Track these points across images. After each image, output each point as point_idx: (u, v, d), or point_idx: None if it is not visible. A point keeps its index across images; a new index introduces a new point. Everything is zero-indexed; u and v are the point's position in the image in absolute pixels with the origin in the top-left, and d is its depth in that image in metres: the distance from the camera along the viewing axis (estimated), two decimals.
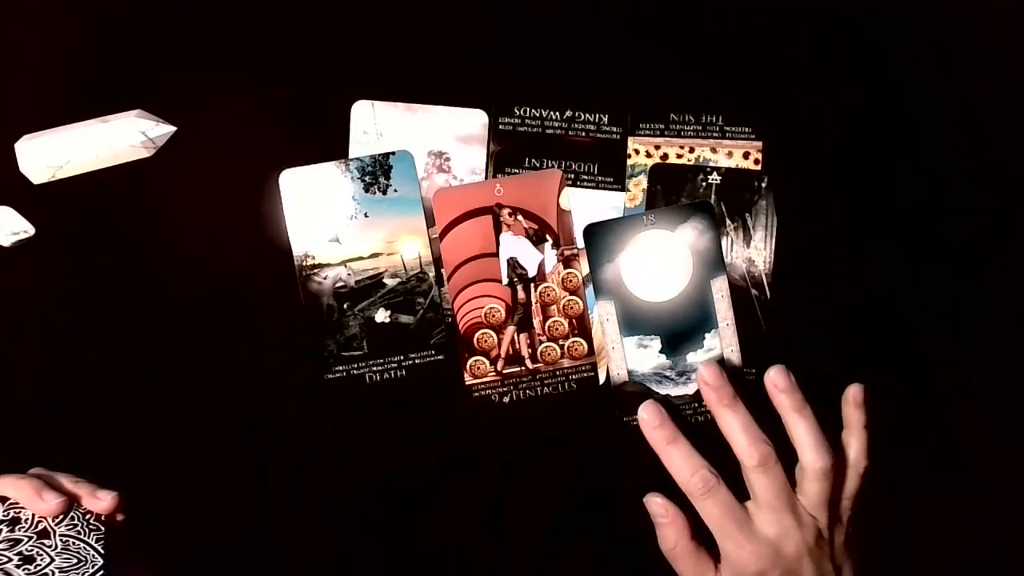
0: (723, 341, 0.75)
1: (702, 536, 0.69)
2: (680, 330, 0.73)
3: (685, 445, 0.69)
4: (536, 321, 0.76)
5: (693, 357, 0.74)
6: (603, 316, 0.74)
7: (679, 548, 0.69)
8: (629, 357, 0.74)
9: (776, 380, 0.69)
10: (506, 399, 0.76)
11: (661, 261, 0.74)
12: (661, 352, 0.74)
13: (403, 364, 0.76)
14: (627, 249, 0.74)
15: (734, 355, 0.75)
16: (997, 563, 0.78)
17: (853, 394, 0.70)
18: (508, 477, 0.76)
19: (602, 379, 0.76)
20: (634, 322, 0.74)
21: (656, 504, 0.70)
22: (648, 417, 0.70)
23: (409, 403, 0.76)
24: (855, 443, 0.70)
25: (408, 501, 0.77)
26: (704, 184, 0.76)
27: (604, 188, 0.77)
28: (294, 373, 0.76)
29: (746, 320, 0.76)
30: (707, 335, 0.74)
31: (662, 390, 0.75)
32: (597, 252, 0.74)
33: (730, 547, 0.67)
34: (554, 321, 0.75)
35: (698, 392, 0.73)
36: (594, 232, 0.75)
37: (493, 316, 0.75)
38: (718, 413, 0.69)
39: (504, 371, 0.76)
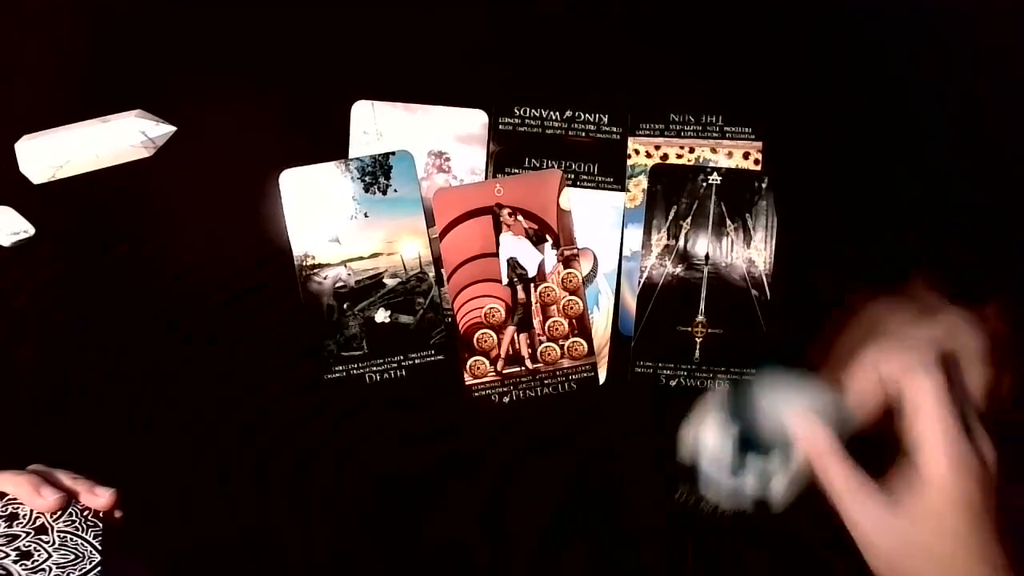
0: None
1: None
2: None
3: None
4: (536, 321, 0.76)
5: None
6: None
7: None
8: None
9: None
10: (506, 399, 0.76)
11: None
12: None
13: (403, 364, 0.76)
14: None
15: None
16: None
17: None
18: (508, 477, 0.76)
19: (602, 379, 0.76)
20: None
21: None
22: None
23: (409, 403, 0.76)
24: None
25: (408, 501, 0.77)
26: (704, 184, 0.76)
27: (604, 188, 0.77)
28: (294, 373, 0.76)
29: (746, 320, 0.76)
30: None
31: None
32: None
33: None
34: (554, 321, 0.75)
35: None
36: None
37: (493, 316, 0.75)
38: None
39: (504, 371, 0.76)
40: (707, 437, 0.64)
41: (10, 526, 0.61)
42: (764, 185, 0.76)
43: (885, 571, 0.58)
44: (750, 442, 0.64)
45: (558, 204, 0.75)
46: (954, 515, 0.57)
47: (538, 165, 0.77)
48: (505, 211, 0.75)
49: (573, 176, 0.77)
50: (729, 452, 0.64)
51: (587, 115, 0.77)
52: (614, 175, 0.77)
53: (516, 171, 0.77)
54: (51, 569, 0.59)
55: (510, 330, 0.76)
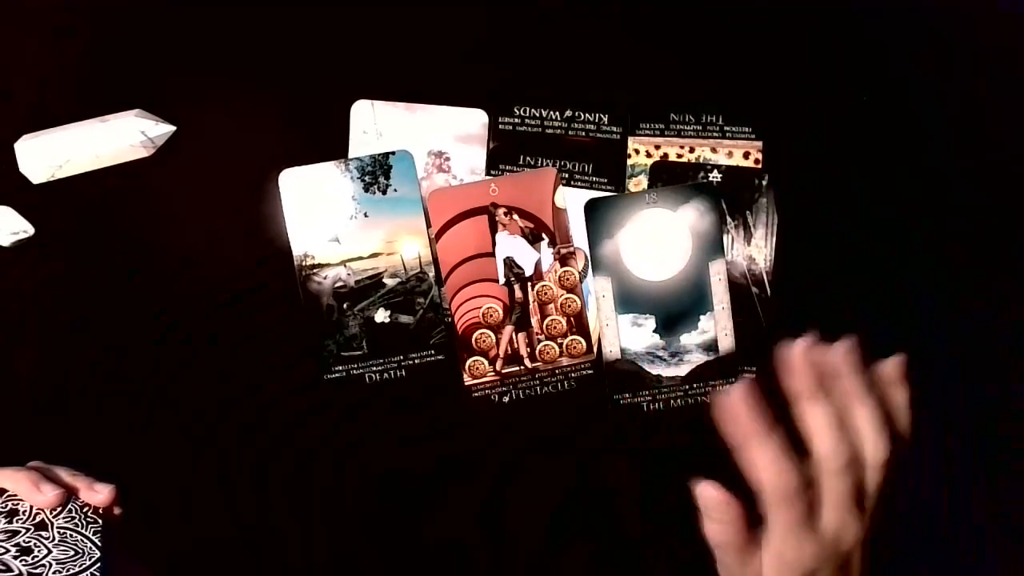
0: (718, 324, 0.75)
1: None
2: (676, 311, 0.73)
3: (776, 441, 0.59)
4: (534, 320, 0.76)
5: (687, 338, 0.74)
6: (599, 292, 0.75)
7: (735, 537, 0.64)
8: (623, 335, 0.75)
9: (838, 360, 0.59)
10: (505, 399, 0.76)
11: (660, 240, 0.74)
12: (655, 332, 0.75)
13: (403, 364, 0.76)
14: (627, 227, 0.75)
15: (728, 338, 0.75)
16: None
17: (890, 370, 0.59)
18: (508, 477, 0.76)
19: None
20: (630, 300, 0.75)
21: (712, 496, 0.60)
22: (739, 398, 0.58)
23: (409, 403, 0.76)
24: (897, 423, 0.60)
25: (408, 501, 0.76)
26: (705, 182, 0.76)
27: (598, 188, 0.77)
28: (294, 373, 0.76)
29: (747, 317, 0.76)
30: (702, 317, 0.74)
31: (654, 370, 0.75)
32: (597, 228, 0.75)
33: (790, 544, 0.63)
34: (552, 319, 0.75)
35: (690, 374, 0.73)
36: (595, 208, 0.75)
37: (491, 316, 0.75)
38: (808, 409, 0.59)
39: (503, 371, 0.76)
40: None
41: (10, 522, 0.61)
42: (765, 183, 0.76)
43: None
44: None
45: (553, 203, 0.75)
46: None
47: (532, 164, 0.77)
48: (501, 210, 0.75)
49: (567, 176, 0.77)
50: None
51: (587, 115, 0.77)
52: (608, 175, 0.77)
53: (511, 168, 0.77)
54: (51, 565, 0.59)
55: (508, 329, 0.76)
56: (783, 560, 0.61)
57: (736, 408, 0.57)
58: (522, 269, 0.75)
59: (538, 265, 0.75)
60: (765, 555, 0.62)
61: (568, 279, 0.75)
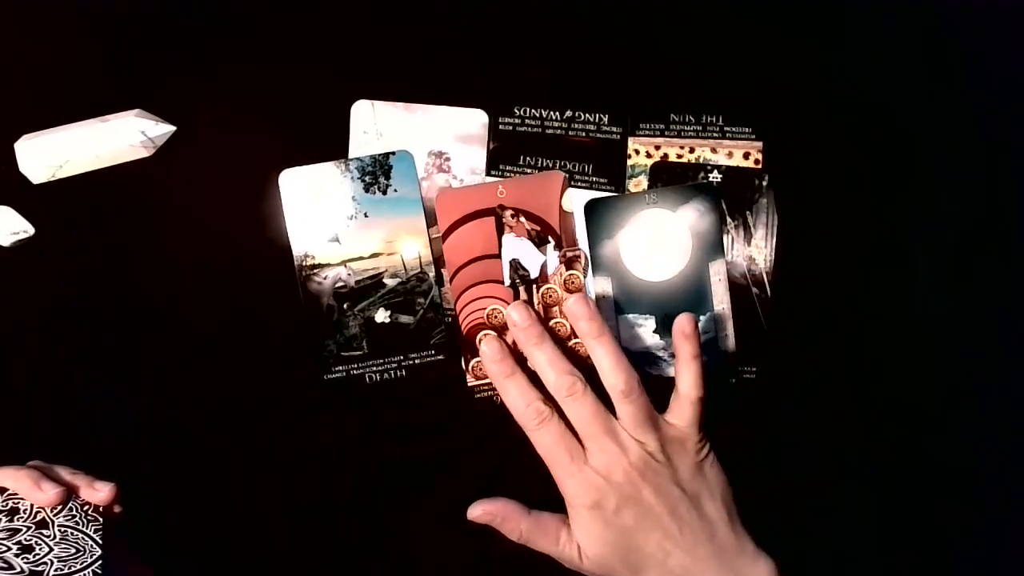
0: (718, 325, 0.75)
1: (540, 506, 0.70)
2: (676, 311, 0.73)
3: (522, 378, 0.69)
4: None
5: None
6: (599, 293, 0.75)
7: (525, 531, 0.70)
8: (623, 336, 0.75)
9: (575, 309, 0.69)
10: None
11: (660, 241, 0.75)
12: (655, 332, 0.75)
13: (403, 364, 0.76)
14: (627, 227, 0.75)
15: (729, 339, 0.75)
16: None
17: (681, 326, 0.70)
18: (508, 477, 0.76)
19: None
20: (630, 300, 0.75)
21: (482, 512, 0.71)
22: (489, 351, 0.70)
23: (409, 403, 0.76)
24: (686, 373, 0.69)
25: (409, 501, 0.76)
26: (705, 182, 0.76)
27: (598, 188, 0.77)
28: (294, 373, 0.76)
29: (747, 318, 0.76)
30: (702, 317, 0.75)
31: (654, 371, 0.75)
32: (597, 228, 0.75)
33: (564, 478, 0.67)
34: (556, 323, 0.75)
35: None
36: (595, 208, 0.75)
37: (495, 318, 0.75)
38: (528, 353, 0.70)
39: None
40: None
41: (11, 520, 0.61)
42: (765, 183, 0.76)
43: None
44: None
45: (560, 206, 0.75)
46: None
47: (533, 164, 0.77)
48: (507, 212, 0.75)
49: (567, 176, 0.77)
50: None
51: (587, 115, 0.77)
52: (608, 176, 0.77)
53: (511, 168, 0.77)
54: (52, 563, 0.59)
55: None
56: (574, 505, 0.68)
57: (485, 359, 0.70)
58: (527, 271, 0.75)
59: (543, 268, 0.75)
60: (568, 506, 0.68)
61: (573, 282, 0.75)
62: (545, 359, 0.69)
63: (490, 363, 0.70)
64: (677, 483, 0.67)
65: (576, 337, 0.73)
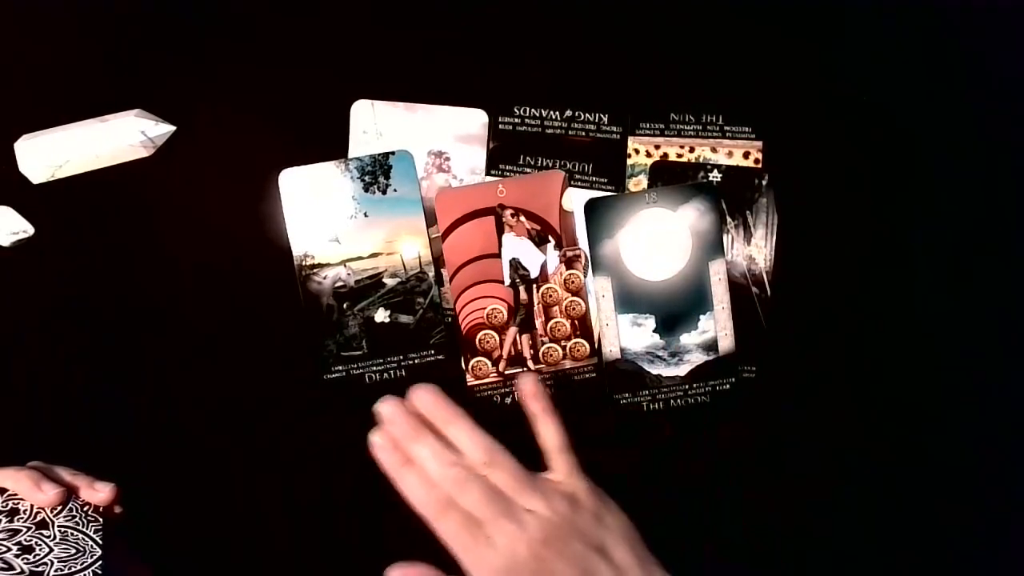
0: (718, 324, 0.75)
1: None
2: (675, 311, 0.73)
3: (419, 468, 0.66)
4: (538, 322, 0.76)
5: (687, 338, 0.75)
6: (599, 292, 0.75)
7: None
8: (623, 335, 0.75)
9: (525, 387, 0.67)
10: (508, 400, 0.76)
11: (660, 240, 0.75)
12: (655, 331, 0.75)
13: (403, 364, 0.76)
14: (627, 226, 0.75)
15: (728, 339, 0.75)
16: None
17: (525, 389, 0.67)
18: None
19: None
20: (630, 300, 0.75)
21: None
22: (380, 440, 0.66)
23: None
24: (544, 429, 0.67)
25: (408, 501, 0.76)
26: (705, 182, 0.76)
27: (598, 188, 0.77)
28: (294, 373, 0.76)
29: (746, 317, 0.76)
30: (702, 317, 0.75)
31: (654, 370, 0.75)
32: (597, 228, 0.75)
33: (473, 565, 0.64)
34: (556, 322, 0.75)
35: (690, 374, 0.74)
36: (595, 207, 0.75)
37: (495, 317, 0.75)
38: (409, 450, 0.66)
39: (506, 372, 0.76)
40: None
41: (11, 521, 0.61)
42: (765, 183, 0.76)
43: None
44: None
45: (560, 205, 0.75)
46: None
47: (533, 163, 0.77)
48: (507, 212, 0.75)
49: (567, 176, 0.77)
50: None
51: (587, 115, 0.77)
52: (608, 175, 0.77)
53: (510, 167, 0.77)
54: (52, 563, 0.60)
55: (512, 331, 0.76)
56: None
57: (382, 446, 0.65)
58: (527, 271, 0.75)
59: (544, 267, 0.75)
60: None
61: (573, 282, 0.75)
62: (429, 452, 0.65)
63: (381, 451, 0.66)
64: (581, 540, 0.64)
65: (577, 338, 0.73)
